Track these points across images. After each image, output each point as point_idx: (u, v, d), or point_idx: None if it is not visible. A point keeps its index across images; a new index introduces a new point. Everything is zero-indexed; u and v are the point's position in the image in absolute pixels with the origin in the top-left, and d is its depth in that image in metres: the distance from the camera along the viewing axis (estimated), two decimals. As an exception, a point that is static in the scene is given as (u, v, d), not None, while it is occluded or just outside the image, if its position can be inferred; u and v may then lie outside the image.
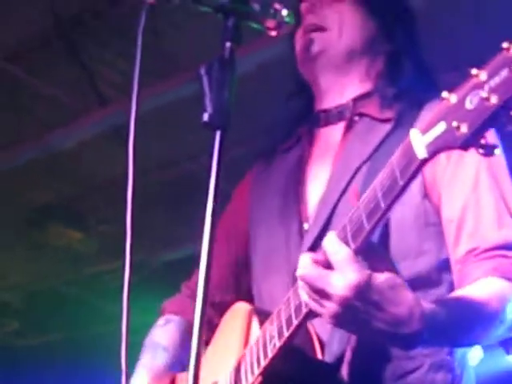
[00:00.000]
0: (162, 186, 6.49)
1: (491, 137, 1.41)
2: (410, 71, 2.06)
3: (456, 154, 1.81)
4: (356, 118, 2.08)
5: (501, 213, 1.85)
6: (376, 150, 1.93)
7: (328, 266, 1.58)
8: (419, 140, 1.43)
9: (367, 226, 1.55)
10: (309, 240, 1.97)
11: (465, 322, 1.71)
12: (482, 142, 1.32)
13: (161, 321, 2.35)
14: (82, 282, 8.14)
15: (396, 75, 2.07)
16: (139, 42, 1.79)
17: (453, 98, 1.36)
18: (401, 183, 1.49)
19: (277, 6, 1.90)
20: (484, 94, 1.29)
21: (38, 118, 5.80)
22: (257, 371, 1.82)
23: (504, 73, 1.27)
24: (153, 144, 5.37)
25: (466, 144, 1.33)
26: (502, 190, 1.88)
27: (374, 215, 1.54)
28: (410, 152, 1.45)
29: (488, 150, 1.33)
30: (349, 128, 2.07)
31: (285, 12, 1.89)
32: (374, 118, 2.03)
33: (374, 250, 1.62)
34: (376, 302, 1.56)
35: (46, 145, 5.93)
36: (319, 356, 1.83)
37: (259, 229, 2.19)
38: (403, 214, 1.88)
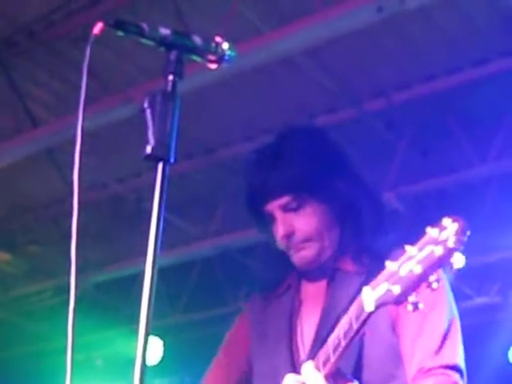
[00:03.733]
0: (90, 207, 6.44)
1: (421, 296, 1.85)
2: (367, 228, 2.32)
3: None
4: (334, 274, 2.37)
5: (442, 341, 2.23)
6: (352, 300, 2.16)
7: None
8: (370, 295, 1.90)
9: (333, 359, 2.02)
10: None
11: None
12: (411, 299, 1.81)
13: None
14: (6, 304, 8.01)
15: (356, 232, 2.33)
16: (84, 76, 1.76)
17: (393, 266, 1.85)
18: (355, 327, 1.96)
19: (218, 39, 1.92)
20: (411, 264, 1.80)
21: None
22: None
23: (428, 249, 1.77)
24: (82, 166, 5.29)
25: (398, 300, 1.83)
26: (442, 324, 2.25)
27: (337, 350, 2.01)
28: (360, 305, 1.94)
29: (415, 305, 1.82)
30: (330, 282, 2.37)
31: (226, 45, 1.91)
32: (347, 272, 2.33)
33: (340, 374, 2.07)
34: None
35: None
36: None
37: (259, 367, 2.45)
38: (375, 348, 2.23)
